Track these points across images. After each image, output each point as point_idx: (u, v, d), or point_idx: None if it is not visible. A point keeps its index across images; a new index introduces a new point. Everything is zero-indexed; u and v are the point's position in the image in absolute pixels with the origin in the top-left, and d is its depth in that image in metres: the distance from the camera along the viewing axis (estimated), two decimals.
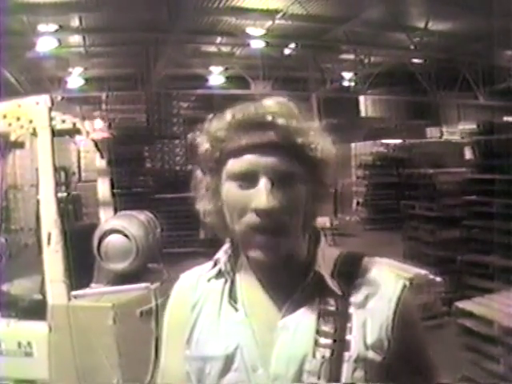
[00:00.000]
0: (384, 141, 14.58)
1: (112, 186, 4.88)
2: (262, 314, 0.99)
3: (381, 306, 0.98)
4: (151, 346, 3.53)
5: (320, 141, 0.98)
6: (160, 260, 4.50)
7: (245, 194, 0.94)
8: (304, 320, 0.96)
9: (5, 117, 3.52)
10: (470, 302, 4.46)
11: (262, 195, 0.91)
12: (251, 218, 0.93)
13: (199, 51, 14.22)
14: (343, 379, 0.92)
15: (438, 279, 5.97)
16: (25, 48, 11.35)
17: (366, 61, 14.99)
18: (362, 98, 19.10)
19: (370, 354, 0.95)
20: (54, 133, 3.60)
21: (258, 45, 12.83)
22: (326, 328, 0.95)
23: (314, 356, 0.93)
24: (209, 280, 1.07)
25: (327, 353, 0.93)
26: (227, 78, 15.69)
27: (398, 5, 10.77)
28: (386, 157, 14.08)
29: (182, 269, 1.17)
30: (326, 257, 1.02)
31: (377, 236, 11.43)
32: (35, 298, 3.67)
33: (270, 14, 11.17)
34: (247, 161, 0.94)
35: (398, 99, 18.47)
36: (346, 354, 0.93)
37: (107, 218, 4.53)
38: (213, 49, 14.06)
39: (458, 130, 15.86)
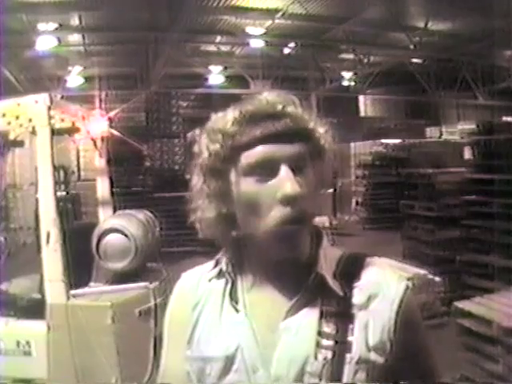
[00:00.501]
0: (383, 140, 14.58)
1: (111, 185, 4.88)
2: (262, 315, 0.99)
3: (383, 307, 0.97)
4: (150, 346, 3.53)
5: (323, 128, 1.00)
6: (159, 259, 4.51)
7: (266, 187, 0.92)
8: (306, 321, 0.95)
9: (4, 115, 3.52)
10: (469, 302, 4.45)
11: (286, 182, 0.90)
12: (278, 210, 0.91)
13: (199, 50, 14.20)
14: (344, 381, 0.92)
15: (437, 279, 5.98)
16: (24, 47, 11.33)
17: (366, 60, 14.98)
18: (361, 98, 19.09)
19: (372, 356, 0.94)
20: (53, 131, 3.60)
21: (257, 44, 12.82)
22: (328, 329, 0.94)
23: (315, 358, 0.93)
24: (210, 280, 1.07)
25: (329, 354, 0.93)
26: (227, 77, 15.67)
27: (397, 4, 10.76)
28: (385, 156, 14.09)
29: (181, 268, 1.16)
30: (329, 257, 1.01)
31: (376, 236, 11.43)
32: (34, 297, 3.67)
33: (270, 13, 11.16)
34: (263, 151, 0.92)
35: (398, 99, 18.47)
36: (348, 356, 0.93)
37: (106, 217, 4.54)
38: (212, 48, 14.04)
39: (457, 130, 15.82)
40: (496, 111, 15.36)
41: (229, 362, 0.97)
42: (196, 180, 1.01)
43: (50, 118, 3.58)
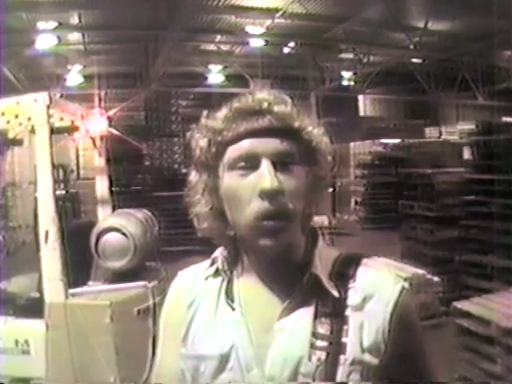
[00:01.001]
0: (383, 140, 14.60)
1: (110, 184, 4.88)
2: (258, 314, 0.99)
3: (378, 308, 0.97)
4: (148, 345, 3.53)
5: (315, 129, 1.00)
6: (158, 258, 4.51)
7: (247, 181, 0.93)
8: (300, 322, 0.95)
9: (3, 114, 3.51)
10: (467, 302, 4.46)
11: (265, 176, 0.91)
12: (257, 204, 0.91)
13: (198, 49, 14.19)
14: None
15: (436, 279, 5.99)
16: (24, 45, 11.32)
17: (366, 60, 14.97)
18: (360, 98, 19.10)
19: (367, 357, 0.94)
20: (53, 130, 3.60)
21: (257, 43, 12.80)
22: (323, 330, 0.94)
23: (309, 359, 0.92)
24: (206, 278, 1.07)
25: (323, 355, 0.92)
26: (226, 76, 15.67)
27: (397, 4, 10.76)
28: (384, 156, 14.10)
29: (179, 267, 1.17)
30: (325, 258, 1.01)
31: (375, 235, 11.45)
32: (32, 295, 3.67)
33: (270, 12, 11.15)
34: (246, 146, 0.95)
35: (397, 99, 18.49)
36: (342, 357, 0.92)
37: (105, 216, 4.54)
38: (212, 47, 14.03)
39: (456, 130, 15.80)
40: (495, 111, 15.34)
41: (223, 360, 0.97)
42: (192, 175, 1.03)
43: (50, 116, 3.57)
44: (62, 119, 4.09)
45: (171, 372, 1.07)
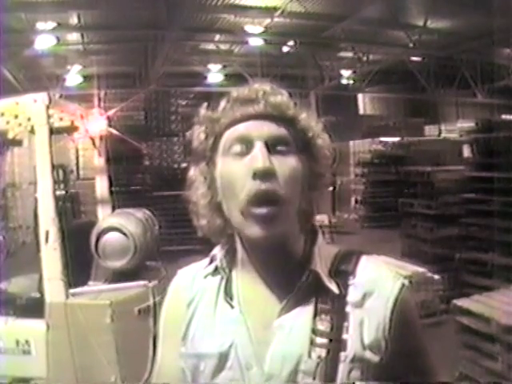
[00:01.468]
0: (382, 139, 14.59)
1: (110, 184, 4.88)
2: (257, 312, 0.98)
3: (378, 305, 0.96)
4: (149, 344, 3.53)
5: (312, 121, 1.01)
6: (158, 258, 4.51)
7: (241, 164, 0.94)
8: (300, 319, 0.95)
9: (3, 114, 3.51)
10: (468, 300, 4.46)
11: (258, 156, 0.92)
12: (249, 186, 0.91)
13: (198, 49, 14.19)
14: (339, 379, 0.91)
15: (437, 277, 5.99)
16: (23, 45, 11.30)
17: (365, 59, 14.96)
18: (360, 96, 19.09)
19: (367, 354, 0.93)
20: (52, 130, 3.59)
21: (256, 42, 12.79)
22: (323, 327, 0.94)
23: (309, 356, 0.92)
24: (205, 277, 1.07)
25: (323, 353, 0.92)
26: (226, 75, 15.67)
27: (396, 2, 10.75)
28: (384, 155, 14.10)
29: (179, 266, 1.17)
30: (324, 255, 1.01)
31: (375, 234, 11.45)
32: (33, 295, 3.68)
33: (269, 11, 11.14)
34: (241, 129, 0.96)
35: (397, 97, 18.47)
36: (342, 354, 0.92)
37: (105, 216, 4.54)
38: (211, 46, 14.03)
39: (456, 128, 15.83)
40: (495, 109, 15.34)
41: (223, 358, 0.97)
42: (191, 171, 1.04)
43: (49, 116, 3.57)
44: (61, 119, 4.09)
45: (171, 371, 1.07)
